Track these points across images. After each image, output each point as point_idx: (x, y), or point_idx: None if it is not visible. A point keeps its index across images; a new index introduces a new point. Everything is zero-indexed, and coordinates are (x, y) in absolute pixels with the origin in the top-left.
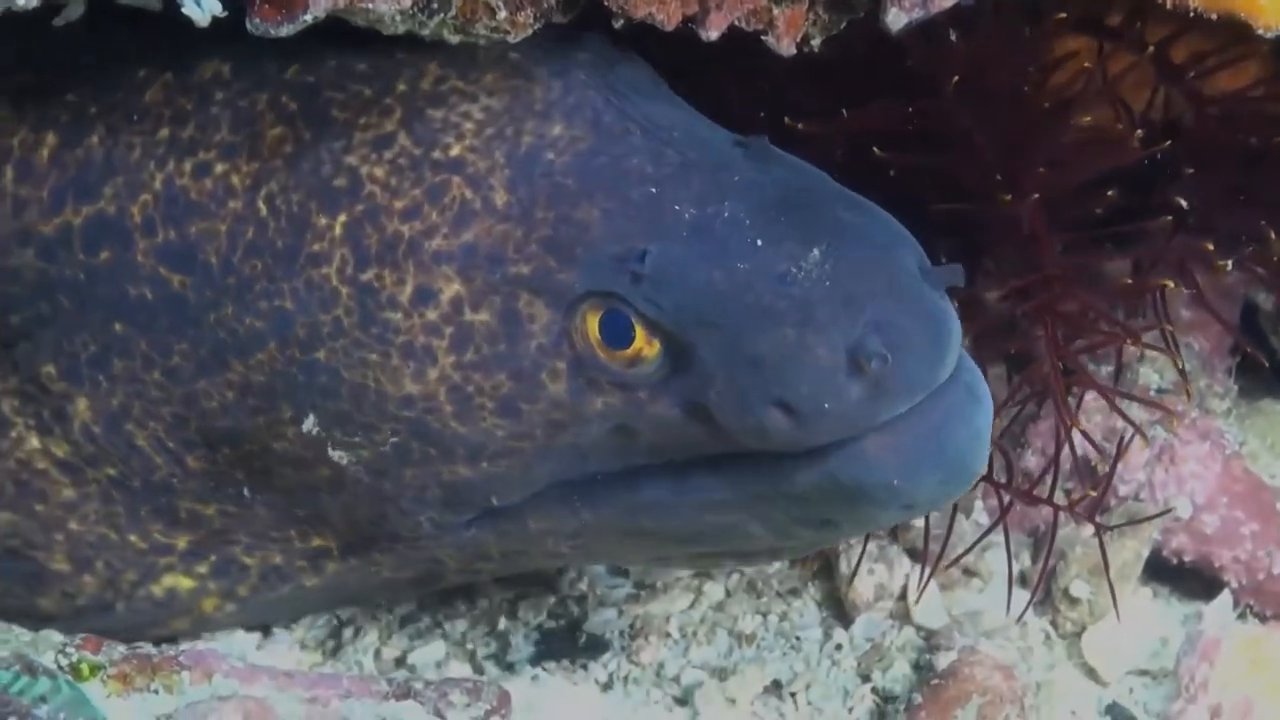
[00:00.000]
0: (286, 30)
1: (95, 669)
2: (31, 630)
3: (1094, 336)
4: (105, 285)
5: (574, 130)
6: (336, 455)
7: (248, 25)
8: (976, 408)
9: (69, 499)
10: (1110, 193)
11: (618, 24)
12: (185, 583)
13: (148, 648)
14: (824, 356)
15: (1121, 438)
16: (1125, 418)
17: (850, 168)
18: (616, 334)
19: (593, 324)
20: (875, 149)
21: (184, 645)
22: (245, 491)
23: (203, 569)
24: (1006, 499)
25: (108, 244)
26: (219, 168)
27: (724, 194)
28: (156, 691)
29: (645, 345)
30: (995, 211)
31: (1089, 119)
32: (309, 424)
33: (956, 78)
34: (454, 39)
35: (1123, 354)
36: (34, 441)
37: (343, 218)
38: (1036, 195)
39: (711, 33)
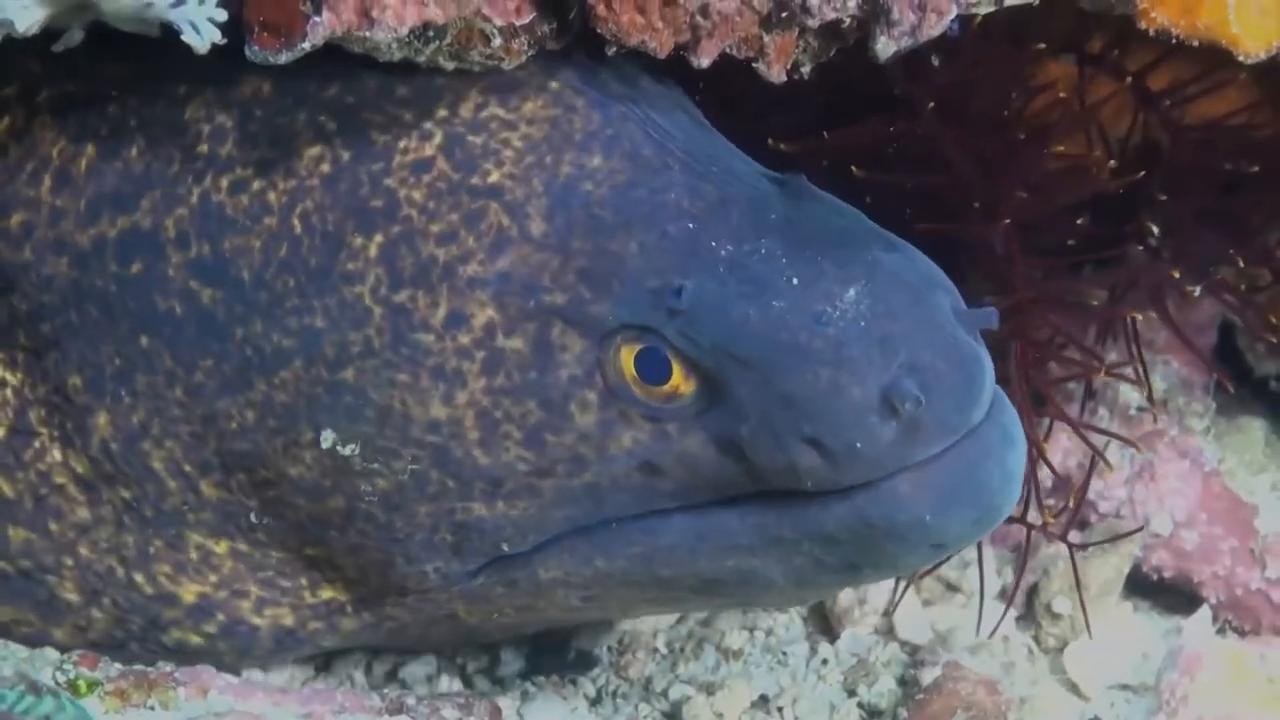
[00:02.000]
0: (285, 58)
1: (93, 685)
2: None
3: (1065, 363)
4: (135, 297)
5: (613, 162)
6: (353, 483)
7: (247, 53)
8: (1010, 449)
9: (83, 520)
10: (1080, 220)
11: (610, 51)
12: (194, 639)
13: (142, 665)
14: (857, 397)
15: (1093, 459)
16: (1091, 446)
17: (831, 188)
18: (653, 369)
19: (628, 358)
20: (854, 168)
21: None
22: (258, 521)
23: (210, 629)
24: None
25: (140, 256)
26: (256, 184)
27: (761, 231)
28: (153, 708)
29: (682, 381)
30: (971, 234)
31: (1063, 147)
32: (328, 443)
33: (933, 103)
34: (449, 65)
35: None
36: (56, 454)
37: (379, 238)
38: (1008, 220)
39: (703, 60)
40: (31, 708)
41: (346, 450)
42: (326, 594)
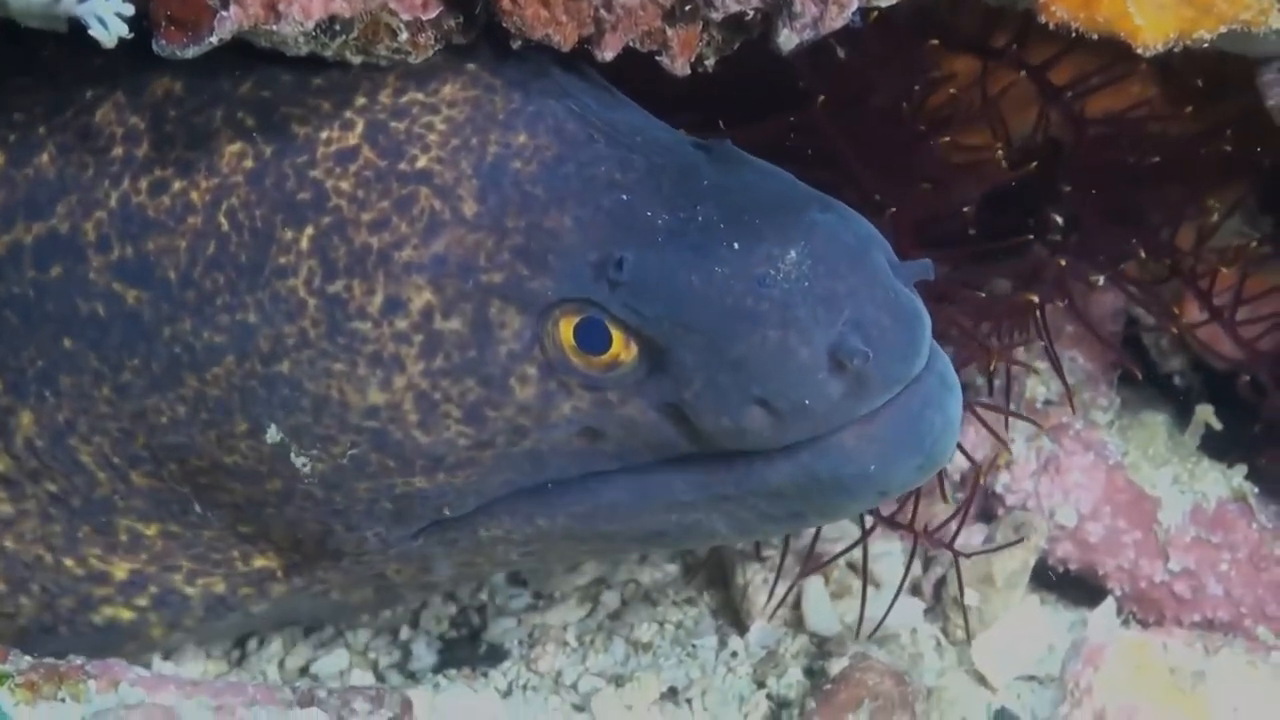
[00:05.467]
0: (192, 52)
1: (2, 678)
2: None
3: (970, 353)
4: (55, 302)
5: (539, 139)
6: (292, 467)
7: (154, 47)
8: (949, 395)
9: (5, 514)
10: (967, 209)
11: (516, 44)
12: (125, 614)
13: (52, 658)
14: (805, 356)
15: (995, 455)
16: (996, 435)
17: None
18: (593, 340)
19: (567, 330)
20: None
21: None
22: (192, 507)
23: (142, 601)
24: (869, 523)
25: (59, 261)
26: (177, 184)
27: (696, 198)
28: (64, 700)
29: (623, 350)
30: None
31: (958, 138)
32: (264, 434)
33: (824, 96)
34: (356, 59)
35: (1010, 369)
36: None
37: (309, 230)
38: (894, 210)
39: (607, 54)
40: None
41: (282, 439)
42: (259, 563)
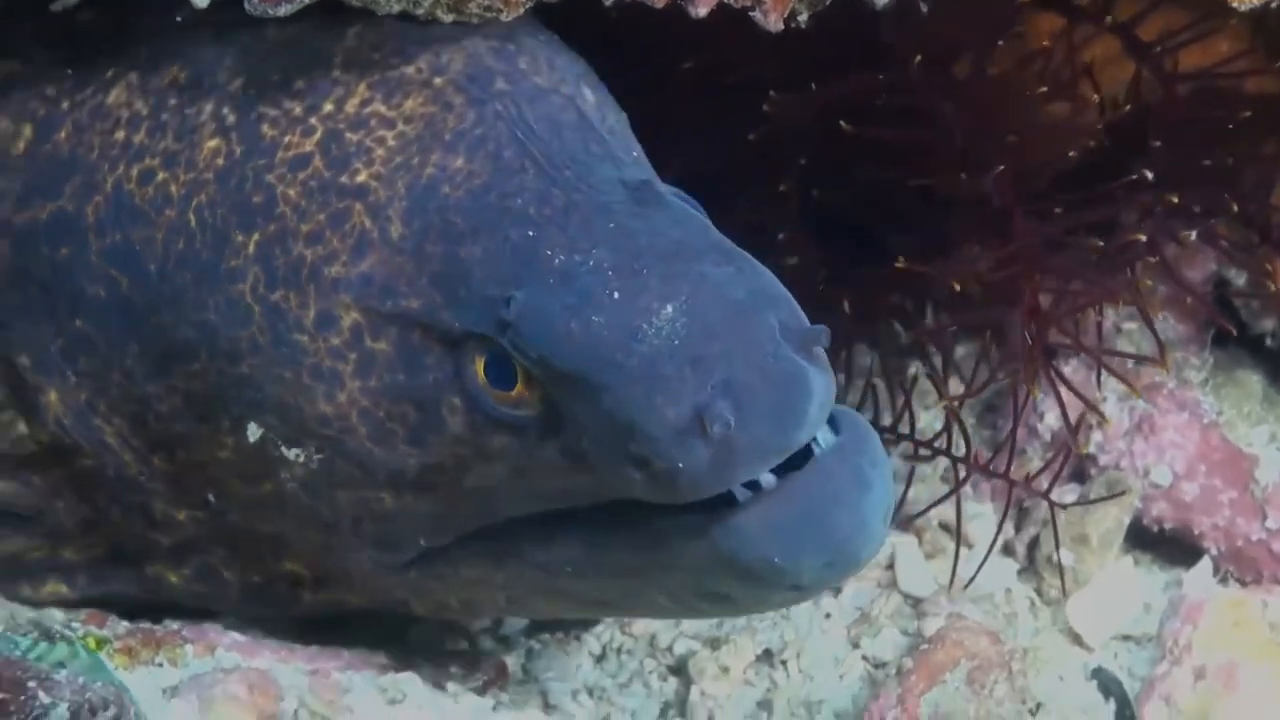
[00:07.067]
0: (285, 10)
1: (101, 643)
2: (35, 610)
3: (1073, 299)
4: (67, 281)
5: (474, 164)
6: (274, 469)
7: (246, 6)
8: (864, 492)
9: (60, 475)
10: (1072, 153)
11: (609, 1)
12: (172, 577)
13: (149, 623)
14: (671, 417)
15: (1083, 415)
16: (1113, 373)
17: (826, 147)
18: (500, 376)
19: (479, 364)
20: (842, 123)
21: (184, 622)
22: (209, 498)
23: (186, 570)
24: (963, 472)
25: (67, 241)
26: (161, 175)
27: (594, 241)
28: (161, 665)
29: (526, 390)
30: (963, 188)
31: (1048, 94)
32: (243, 430)
33: (919, 56)
34: (448, 18)
35: (1101, 329)
36: (21, 427)
37: (256, 236)
38: (1002, 168)
39: (700, 9)
40: (45, 654)
41: (258, 438)
42: (289, 566)
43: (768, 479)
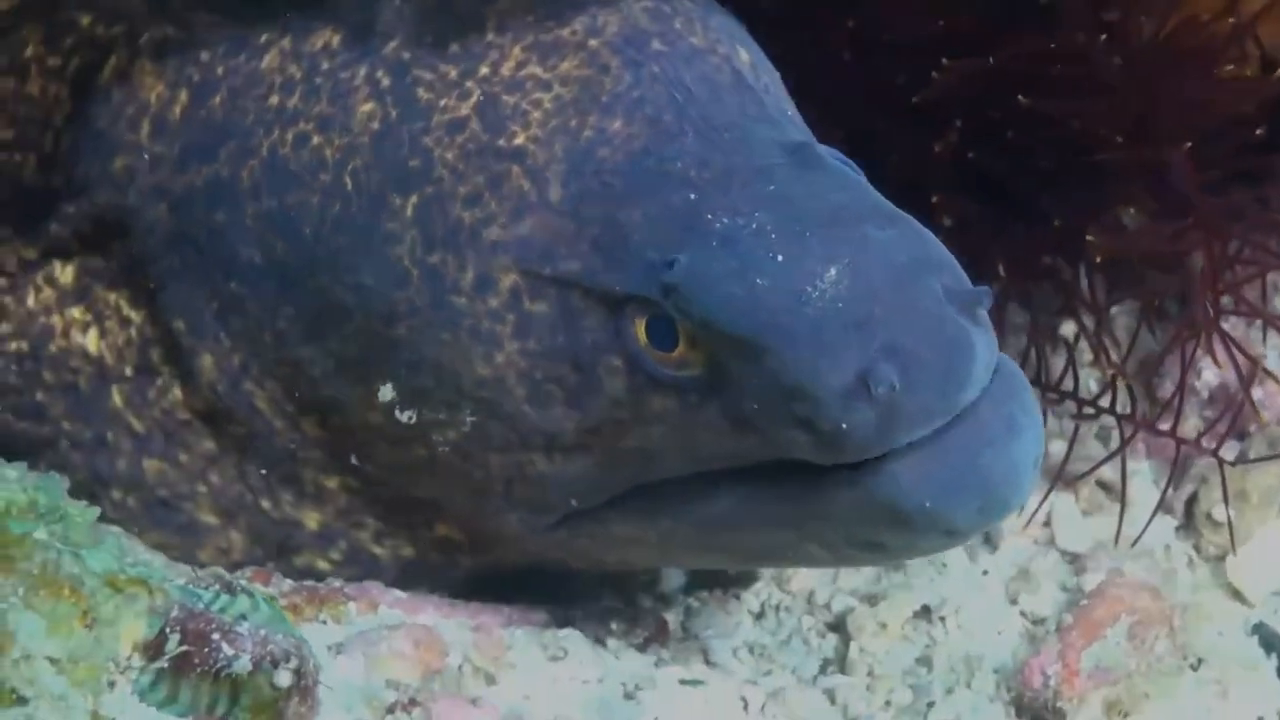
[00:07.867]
0: None
1: (267, 600)
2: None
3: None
4: (222, 245)
5: (632, 127)
6: (426, 434)
7: None
8: (1015, 438)
9: (210, 450)
10: (1259, 130)
11: None
12: (322, 564)
13: (312, 581)
14: (835, 381)
15: (1253, 369)
16: (1247, 355)
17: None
18: (662, 337)
19: (640, 326)
20: (1020, 97)
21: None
22: (359, 463)
23: (336, 555)
24: (1129, 431)
25: (222, 205)
26: (315, 139)
27: (756, 204)
28: (325, 622)
29: (689, 351)
30: (1138, 157)
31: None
32: (397, 393)
33: (1104, 35)
34: None
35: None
36: (177, 392)
37: (414, 199)
38: (1189, 144)
39: None
40: (227, 606)
41: (413, 402)
42: (443, 531)
43: None
